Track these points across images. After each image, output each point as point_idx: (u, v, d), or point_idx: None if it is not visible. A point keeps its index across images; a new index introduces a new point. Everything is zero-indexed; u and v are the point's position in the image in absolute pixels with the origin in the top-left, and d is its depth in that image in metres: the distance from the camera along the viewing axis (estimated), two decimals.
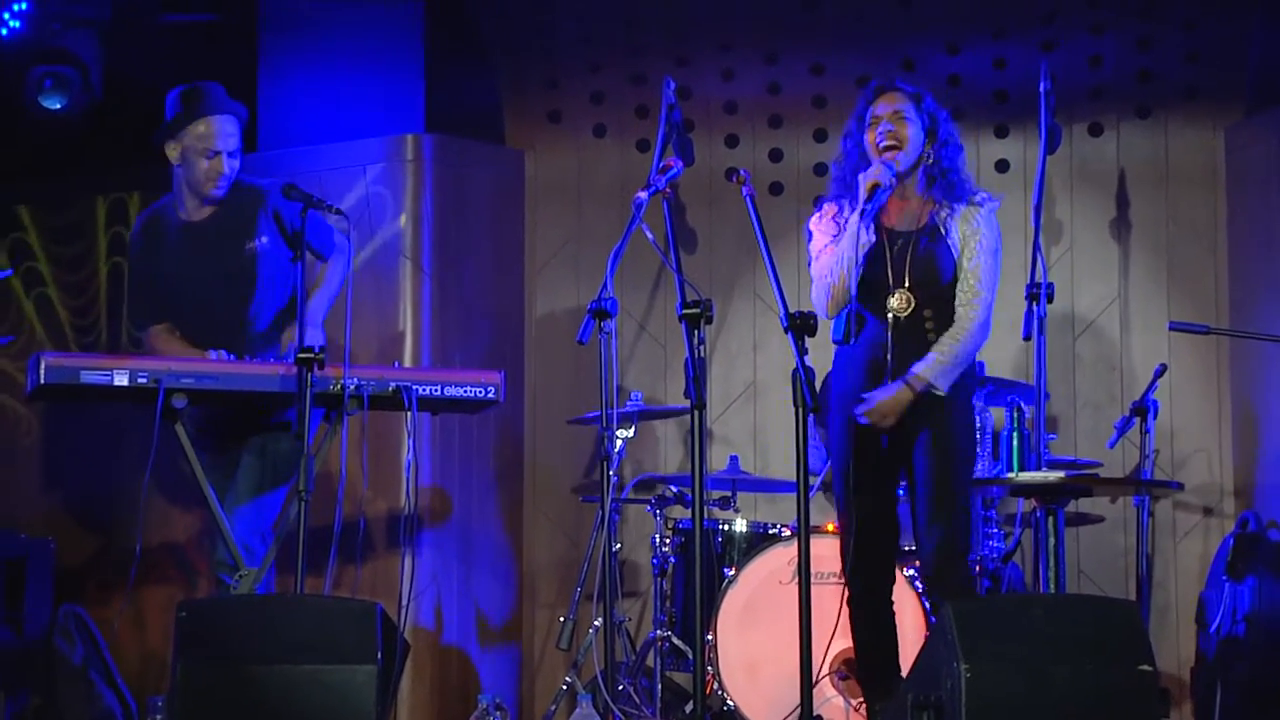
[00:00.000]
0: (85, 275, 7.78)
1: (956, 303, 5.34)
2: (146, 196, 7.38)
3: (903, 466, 5.37)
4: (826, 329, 5.25)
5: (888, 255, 5.34)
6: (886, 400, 5.25)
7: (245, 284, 5.87)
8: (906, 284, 5.31)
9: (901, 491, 5.49)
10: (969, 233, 5.34)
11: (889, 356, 5.29)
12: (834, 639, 5.87)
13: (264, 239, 5.87)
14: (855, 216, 5.27)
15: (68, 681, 6.47)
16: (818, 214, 5.50)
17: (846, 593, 5.38)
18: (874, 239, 5.31)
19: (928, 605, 5.88)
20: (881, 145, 5.35)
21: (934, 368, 5.25)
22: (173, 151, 5.86)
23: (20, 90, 7.01)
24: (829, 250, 5.37)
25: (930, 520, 5.26)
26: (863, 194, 5.27)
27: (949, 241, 5.33)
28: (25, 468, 7.70)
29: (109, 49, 7.18)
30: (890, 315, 5.31)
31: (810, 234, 5.49)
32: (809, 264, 5.44)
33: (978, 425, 5.98)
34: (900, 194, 5.41)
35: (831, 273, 5.32)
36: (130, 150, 7.22)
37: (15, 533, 6.97)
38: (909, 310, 5.31)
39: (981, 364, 6.36)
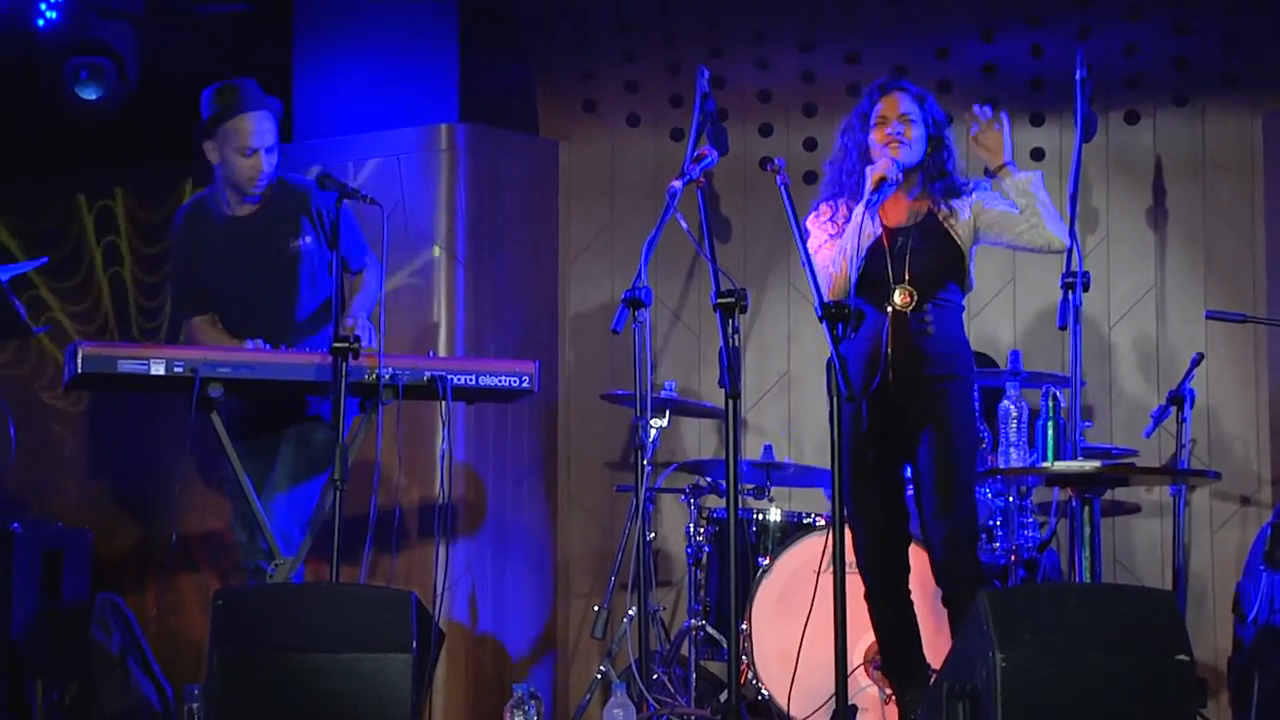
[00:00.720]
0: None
1: (1016, 224, 5.39)
2: (171, 187, 7.44)
3: (907, 459, 5.41)
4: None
5: (887, 253, 5.39)
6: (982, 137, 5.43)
7: (288, 282, 5.88)
8: (907, 279, 5.36)
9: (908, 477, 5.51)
10: (973, 212, 5.44)
11: (887, 349, 5.33)
12: (868, 629, 5.90)
13: (307, 239, 5.89)
14: (860, 208, 5.30)
15: (105, 670, 6.50)
16: (814, 213, 5.55)
17: (863, 587, 5.39)
18: (879, 231, 5.33)
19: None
20: (887, 144, 5.40)
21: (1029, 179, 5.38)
22: (211, 152, 5.87)
23: (57, 81, 7.04)
24: (829, 245, 5.41)
25: (936, 511, 5.30)
26: (869, 186, 5.31)
27: (952, 234, 5.39)
28: (62, 458, 7.73)
29: (144, 40, 7.21)
30: (890, 310, 5.35)
31: (807, 232, 5.49)
32: (803, 262, 5.39)
33: (987, 413, 5.97)
34: (900, 192, 5.47)
35: (834, 263, 5.37)
36: (164, 140, 7.26)
37: (52, 523, 7.01)
38: (911, 306, 5.36)
39: (1016, 353, 6.35)
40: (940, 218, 5.42)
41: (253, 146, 5.81)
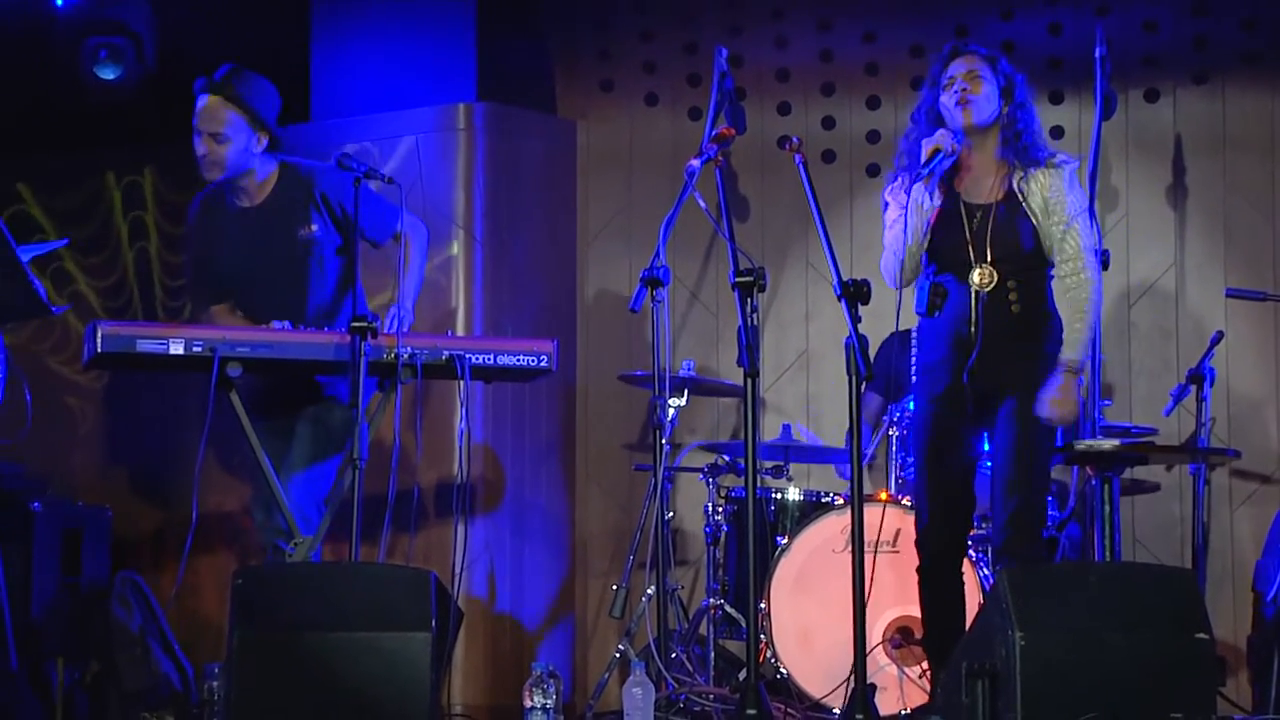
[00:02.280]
0: (109, 255, 7.83)
1: (1058, 272, 5.28)
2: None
3: (986, 434, 5.34)
4: (882, 296, 5.21)
5: (967, 229, 5.28)
6: (1060, 400, 5.20)
7: (299, 270, 5.88)
8: (989, 258, 5.25)
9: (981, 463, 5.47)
10: (1054, 198, 5.28)
11: (974, 331, 5.23)
12: (887, 608, 5.90)
13: (314, 226, 5.88)
14: (917, 184, 5.23)
15: (125, 648, 6.52)
16: (890, 185, 5.43)
17: (918, 561, 5.35)
18: (939, 204, 5.26)
19: (984, 575, 5.86)
20: (957, 101, 5.29)
21: (1079, 347, 5.23)
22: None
23: (76, 61, 7.05)
24: (900, 218, 5.32)
25: (1008, 488, 5.21)
26: (923, 156, 5.22)
27: (1028, 209, 5.27)
28: (81, 437, 7.76)
29: (163, 20, 7.21)
30: (974, 290, 5.26)
31: (885, 203, 5.43)
32: (883, 232, 5.37)
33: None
34: (977, 160, 5.34)
35: (897, 241, 5.29)
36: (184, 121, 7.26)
37: (72, 501, 7.03)
38: (992, 285, 5.25)
39: None
40: (1017, 186, 5.28)
41: (199, 128, 5.78)
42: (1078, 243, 5.27)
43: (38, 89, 7.36)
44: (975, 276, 5.25)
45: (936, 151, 5.22)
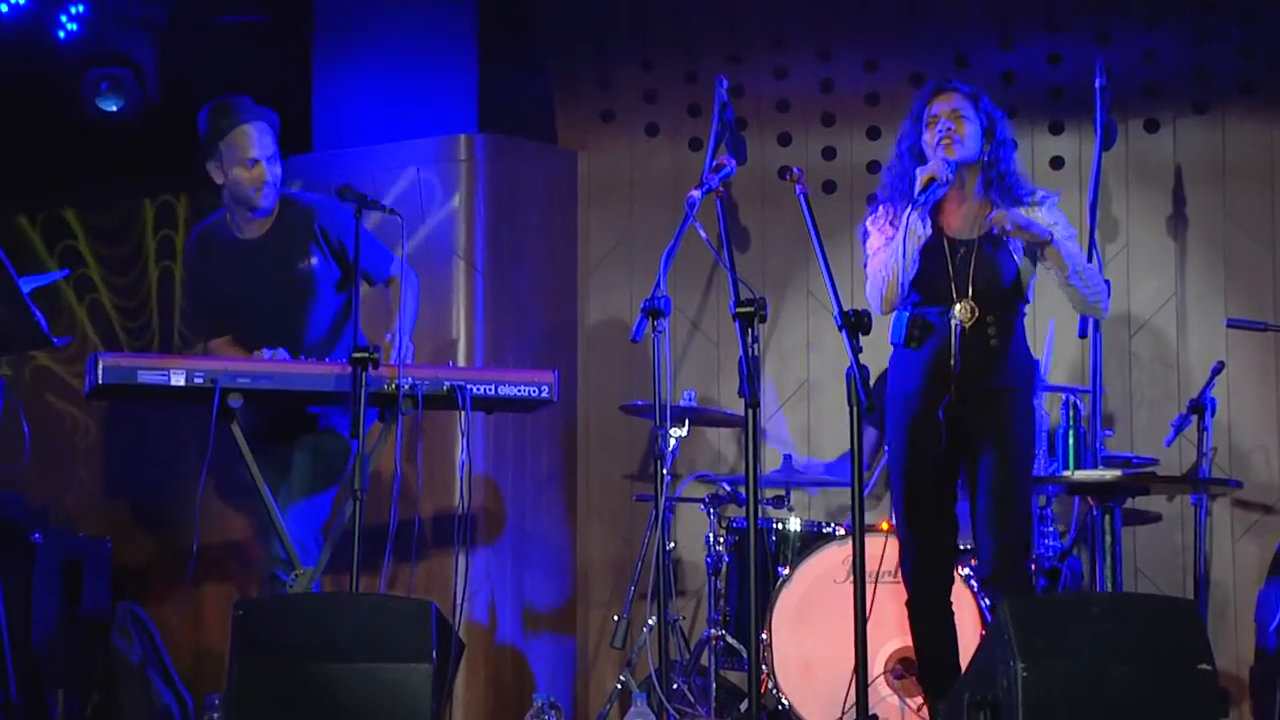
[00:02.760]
0: (135, 277, 7.83)
1: (1061, 275, 5.33)
2: (197, 199, 7.45)
3: (965, 469, 5.36)
4: (882, 326, 5.23)
5: (949, 264, 5.32)
6: (1009, 219, 5.27)
7: (298, 304, 5.89)
8: (970, 293, 5.30)
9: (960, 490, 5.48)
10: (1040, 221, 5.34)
11: (954, 363, 5.27)
12: (889, 638, 5.89)
13: (314, 260, 5.89)
14: (912, 211, 5.26)
15: (126, 679, 6.51)
16: (872, 215, 5.49)
17: (906, 595, 5.37)
18: (930, 233, 5.30)
19: (984, 604, 5.86)
20: (940, 142, 5.33)
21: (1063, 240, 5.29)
22: (215, 172, 5.88)
23: (77, 92, 7.06)
24: (884, 249, 5.36)
25: (990, 521, 5.25)
26: (918, 186, 5.25)
27: (1011, 246, 5.32)
28: (82, 468, 7.76)
29: (164, 51, 7.23)
30: (954, 324, 5.29)
31: (866, 233, 5.48)
32: (864, 263, 5.44)
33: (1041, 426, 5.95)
34: (959, 198, 5.40)
35: (886, 268, 5.32)
36: (185, 152, 7.27)
37: (73, 532, 7.03)
38: (973, 320, 5.29)
39: (1035, 362, 6.33)
40: (1001, 231, 5.32)
41: (254, 156, 5.81)
42: (1063, 235, 5.34)
43: (37, 119, 7.39)
44: (958, 311, 5.29)
45: (931, 180, 5.24)
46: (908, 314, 5.33)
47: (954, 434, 5.30)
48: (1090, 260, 5.90)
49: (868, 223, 5.50)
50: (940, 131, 5.34)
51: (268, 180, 5.83)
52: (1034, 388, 5.45)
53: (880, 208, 5.46)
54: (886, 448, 6.17)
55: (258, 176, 5.82)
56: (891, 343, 5.36)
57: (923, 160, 5.36)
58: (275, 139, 5.90)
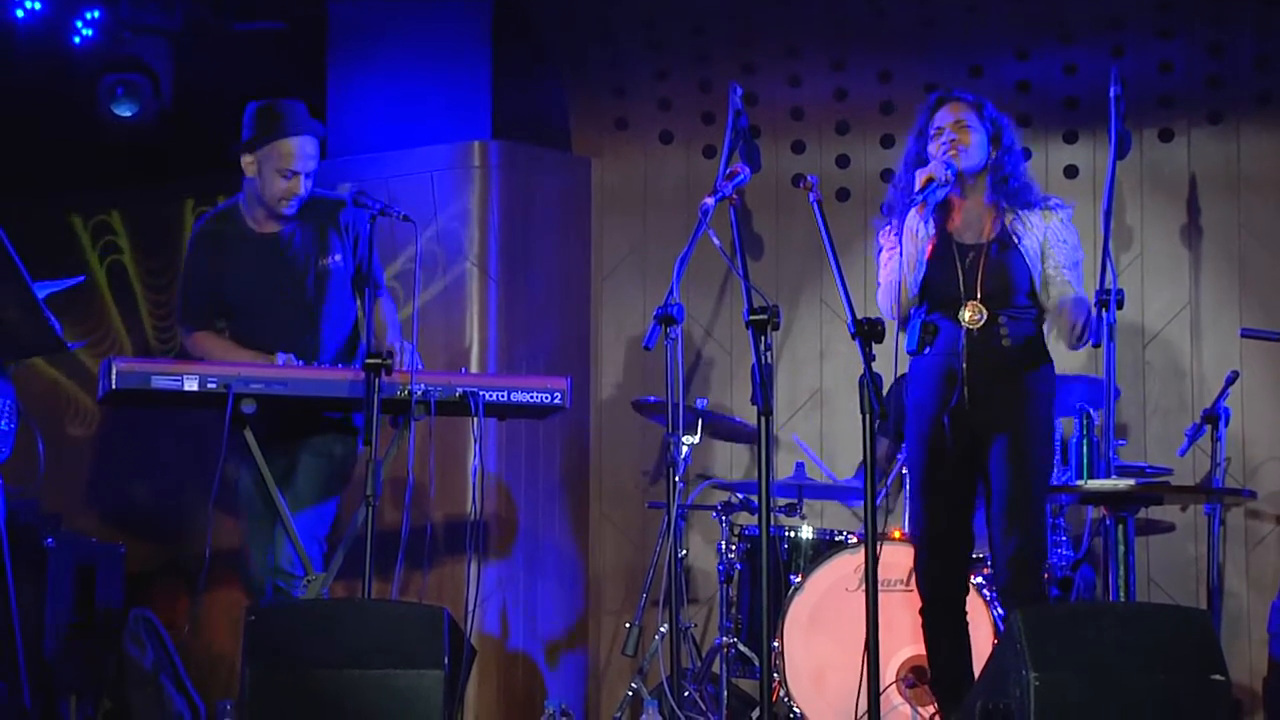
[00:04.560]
0: (168, 279, 7.84)
1: (1046, 298, 5.30)
2: (206, 202, 7.47)
3: (979, 475, 5.34)
4: (895, 335, 5.22)
5: (959, 268, 5.31)
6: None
7: (316, 300, 5.88)
8: (978, 296, 5.28)
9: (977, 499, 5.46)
10: (1052, 240, 5.32)
11: (963, 367, 5.26)
12: (900, 647, 5.88)
13: (336, 257, 5.88)
14: (912, 213, 5.26)
15: (138, 685, 6.52)
16: (882, 230, 5.49)
17: (920, 602, 5.36)
18: (933, 233, 5.30)
19: (998, 614, 5.84)
20: (945, 154, 5.32)
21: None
22: (250, 166, 5.84)
23: (92, 98, 7.08)
24: (892, 256, 5.36)
25: (1006, 530, 5.21)
26: (917, 185, 5.24)
27: (1021, 249, 5.30)
28: (95, 473, 7.77)
29: (179, 57, 7.24)
30: (963, 327, 5.28)
31: (880, 246, 5.48)
32: (878, 273, 5.43)
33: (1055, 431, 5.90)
34: (968, 205, 5.39)
35: (894, 273, 5.32)
36: (201, 158, 7.29)
37: (86, 538, 7.03)
38: (981, 323, 5.27)
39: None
40: (1011, 227, 5.31)
41: (294, 170, 5.79)
42: (1065, 277, 5.31)
43: (57, 125, 7.41)
44: (965, 314, 5.28)
45: (930, 180, 5.24)
46: (920, 321, 5.32)
47: (966, 440, 5.28)
48: (1105, 272, 5.88)
49: (879, 237, 5.50)
50: (945, 143, 5.33)
51: (298, 195, 5.81)
52: (1049, 389, 5.39)
53: (891, 223, 5.45)
54: (902, 456, 6.18)
55: (291, 190, 5.80)
56: (907, 351, 5.35)
57: None
58: (319, 154, 5.89)
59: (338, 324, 5.93)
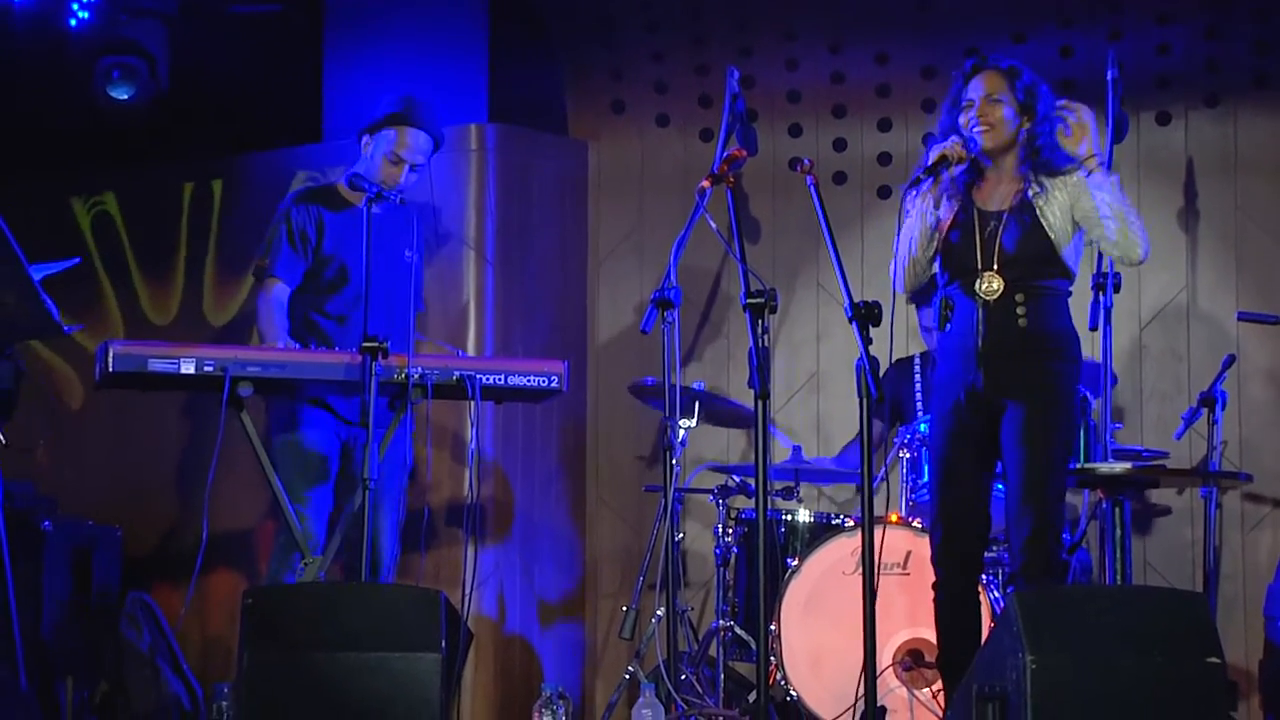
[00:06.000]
0: (163, 263, 7.83)
1: (1103, 239, 5.22)
2: (202, 185, 7.48)
3: (997, 455, 5.26)
4: (891, 317, 5.17)
5: (978, 236, 5.23)
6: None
7: (396, 285, 5.94)
8: (995, 266, 5.20)
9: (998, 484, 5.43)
10: (1080, 192, 5.21)
11: (979, 342, 5.21)
12: (898, 630, 5.89)
13: (412, 254, 5.96)
14: (926, 189, 5.23)
15: (135, 668, 6.52)
16: (906, 198, 5.36)
17: (934, 578, 5.32)
18: (945, 216, 5.25)
19: (995, 598, 5.85)
20: (974, 129, 5.25)
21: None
22: (366, 144, 6.04)
23: (89, 80, 7.07)
24: (908, 226, 5.32)
25: (1020, 512, 5.14)
26: (930, 161, 5.21)
27: (1043, 220, 5.20)
28: (92, 455, 7.76)
29: (176, 40, 7.23)
30: (980, 299, 5.23)
31: (906, 211, 5.38)
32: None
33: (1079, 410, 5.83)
34: (996, 174, 5.30)
35: (905, 246, 5.29)
36: (197, 139, 7.28)
37: (83, 520, 7.03)
38: (999, 294, 5.19)
39: None
40: (1034, 201, 5.22)
41: (405, 158, 5.97)
42: (1101, 188, 5.22)
43: (51, 107, 7.40)
44: (981, 284, 5.21)
45: (944, 159, 5.20)
46: (940, 296, 5.28)
47: (984, 419, 5.22)
48: (1102, 256, 5.84)
49: (905, 202, 5.38)
50: (974, 118, 5.24)
51: (400, 184, 5.97)
52: (1072, 369, 5.26)
53: (915, 191, 5.32)
54: (898, 439, 6.17)
55: (396, 176, 5.97)
56: (933, 327, 5.31)
57: None
58: (431, 154, 6.07)
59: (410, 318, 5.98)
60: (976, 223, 5.25)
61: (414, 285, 5.95)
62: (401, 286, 5.96)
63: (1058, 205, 5.22)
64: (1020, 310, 5.20)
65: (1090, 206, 5.20)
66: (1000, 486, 5.40)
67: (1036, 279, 5.21)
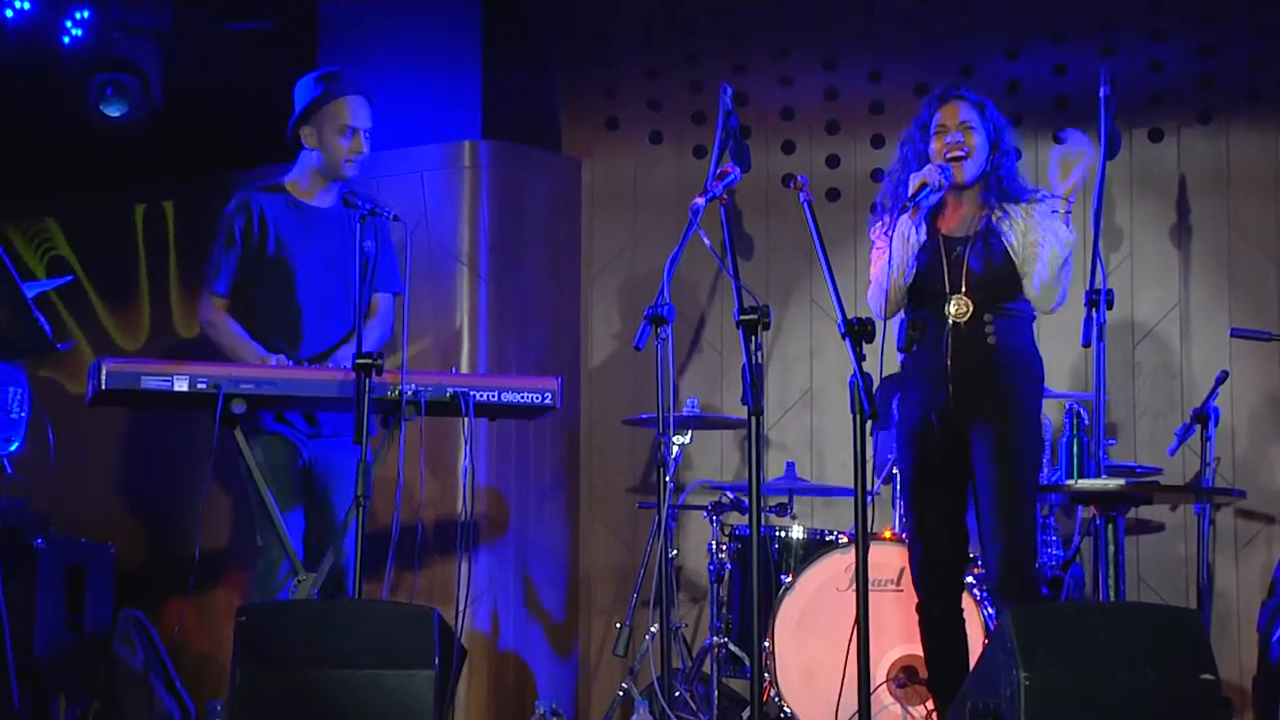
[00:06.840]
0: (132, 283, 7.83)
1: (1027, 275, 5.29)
2: (195, 204, 7.46)
3: (968, 472, 5.32)
4: (883, 334, 5.22)
5: (944, 261, 5.33)
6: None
7: (361, 280, 5.89)
8: (963, 289, 5.29)
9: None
10: (1033, 224, 5.30)
11: (949, 363, 5.27)
12: (891, 646, 5.89)
13: (369, 243, 5.91)
14: (905, 217, 5.27)
15: (128, 685, 6.51)
16: (879, 222, 5.47)
17: (917, 599, 5.35)
18: (925, 239, 5.31)
19: (988, 614, 5.85)
20: (949, 155, 5.32)
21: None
22: (309, 136, 5.96)
23: (82, 98, 7.07)
24: (883, 253, 5.36)
25: (994, 528, 5.21)
26: (910, 189, 5.26)
27: (1006, 242, 5.30)
28: (85, 473, 7.75)
29: (169, 57, 7.23)
30: (950, 321, 5.29)
31: (872, 242, 5.49)
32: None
33: (1044, 429, 5.89)
34: (958, 202, 5.41)
35: (883, 274, 5.33)
36: (188, 157, 7.27)
37: (76, 538, 7.03)
38: (968, 315, 5.29)
39: None
40: (998, 225, 5.32)
41: (354, 126, 5.93)
42: (1047, 221, 5.30)
43: (47, 124, 7.40)
44: (950, 307, 5.29)
45: (924, 186, 5.25)
46: (907, 318, 5.34)
47: (955, 438, 5.29)
48: (1095, 272, 5.88)
49: (870, 233, 5.51)
50: (950, 143, 5.34)
51: (362, 152, 5.95)
52: (1036, 388, 5.39)
53: (884, 217, 5.44)
54: (892, 455, 6.18)
55: (354, 147, 5.94)
56: (897, 349, 5.36)
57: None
58: (371, 114, 6.00)
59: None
60: (943, 249, 5.34)
61: (370, 274, 5.82)
62: (356, 277, 5.91)
63: (1019, 230, 5.32)
64: (989, 329, 5.29)
65: (1034, 242, 5.29)
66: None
67: (1004, 300, 5.32)
